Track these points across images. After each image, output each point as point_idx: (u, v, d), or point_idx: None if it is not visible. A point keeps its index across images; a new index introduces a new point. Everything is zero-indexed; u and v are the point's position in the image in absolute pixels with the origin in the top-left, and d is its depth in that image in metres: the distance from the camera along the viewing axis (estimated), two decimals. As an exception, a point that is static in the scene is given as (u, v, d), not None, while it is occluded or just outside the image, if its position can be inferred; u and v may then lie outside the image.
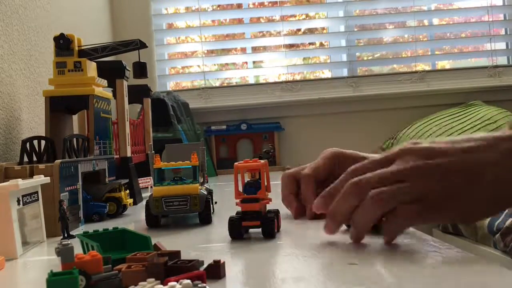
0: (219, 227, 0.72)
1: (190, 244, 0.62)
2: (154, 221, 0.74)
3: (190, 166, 0.76)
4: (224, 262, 0.45)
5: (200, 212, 0.74)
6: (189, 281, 0.37)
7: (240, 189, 0.63)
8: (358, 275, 0.43)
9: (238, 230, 0.61)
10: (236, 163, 0.63)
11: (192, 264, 0.43)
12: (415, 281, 0.41)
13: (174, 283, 0.37)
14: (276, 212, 0.64)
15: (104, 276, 0.40)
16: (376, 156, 0.58)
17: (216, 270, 0.44)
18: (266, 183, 0.63)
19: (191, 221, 0.77)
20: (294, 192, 0.75)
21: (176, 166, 0.77)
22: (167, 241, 0.56)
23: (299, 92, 2.14)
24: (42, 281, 0.37)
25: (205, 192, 0.75)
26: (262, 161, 0.65)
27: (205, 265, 0.45)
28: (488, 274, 0.42)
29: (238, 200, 0.62)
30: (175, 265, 0.43)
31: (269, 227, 0.61)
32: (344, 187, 0.54)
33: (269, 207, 0.64)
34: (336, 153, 0.74)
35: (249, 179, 0.64)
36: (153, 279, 0.39)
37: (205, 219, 0.75)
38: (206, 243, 0.63)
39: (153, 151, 0.80)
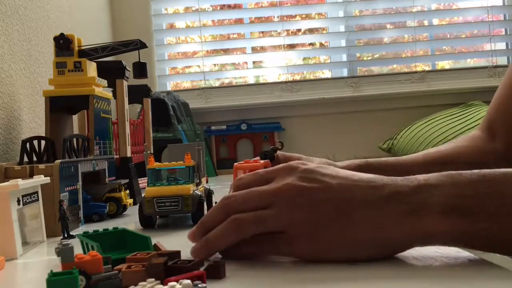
0: None
1: (189, 244, 0.62)
2: (147, 221, 0.74)
3: (184, 167, 0.76)
4: (224, 262, 0.45)
5: (193, 213, 0.73)
6: (189, 281, 0.37)
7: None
8: (358, 275, 0.43)
9: None
10: (235, 164, 0.64)
11: (192, 264, 0.43)
12: (415, 281, 0.41)
13: (174, 283, 0.37)
14: None
15: (104, 276, 0.40)
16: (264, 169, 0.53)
17: (216, 270, 0.44)
18: None
19: (190, 222, 0.77)
20: None
21: (170, 166, 0.76)
22: (166, 242, 0.56)
23: (299, 92, 2.14)
24: (42, 281, 0.37)
25: (199, 193, 0.74)
26: (262, 161, 0.64)
27: (205, 265, 0.46)
28: (488, 274, 0.42)
29: None
30: (175, 265, 0.43)
31: None
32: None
33: None
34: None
35: None
36: (153, 279, 0.39)
37: (198, 220, 0.74)
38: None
39: (148, 151, 0.80)
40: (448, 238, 0.44)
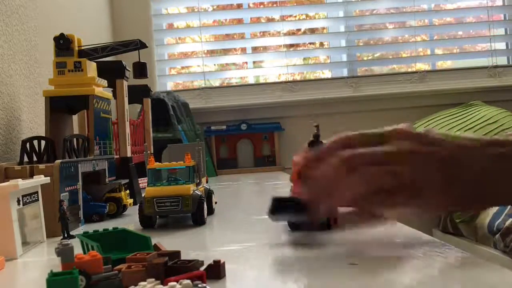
0: (218, 227, 0.72)
1: (189, 244, 0.62)
2: (147, 221, 0.74)
3: (184, 167, 0.76)
4: (224, 262, 0.45)
5: (193, 213, 0.73)
6: (189, 281, 0.38)
7: None
8: (358, 275, 0.43)
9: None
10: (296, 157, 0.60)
11: (192, 264, 0.43)
12: (415, 281, 0.41)
13: (174, 283, 0.37)
14: None
15: (104, 276, 0.40)
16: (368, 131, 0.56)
17: (216, 270, 0.44)
18: None
19: (189, 222, 0.77)
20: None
21: (170, 166, 0.76)
22: (165, 242, 0.56)
23: (299, 92, 2.14)
24: (42, 281, 0.37)
25: (199, 193, 0.74)
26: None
27: (204, 265, 0.46)
28: (488, 274, 0.42)
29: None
30: (175, 265, 0.43)
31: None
32: (334, 156, 0.52)
33: None
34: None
35: None
36: (153, 279, 0.39)
37: (198, 220, 0.74)
38: (204, 243, 0.63)
39: (148, 151, 0.80)
40: None
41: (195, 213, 0.73)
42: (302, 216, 0.57)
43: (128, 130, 1.10)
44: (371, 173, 0.50)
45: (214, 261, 0.45)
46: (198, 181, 0.79)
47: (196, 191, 0.74)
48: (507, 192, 0.51)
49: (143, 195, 0.74)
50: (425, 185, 0.50)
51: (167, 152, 0.90)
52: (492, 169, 0.50)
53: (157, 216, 0.77)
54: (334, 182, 0.51)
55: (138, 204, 0.75)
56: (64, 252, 0.40)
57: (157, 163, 0.77)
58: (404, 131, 0.53)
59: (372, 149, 0.52)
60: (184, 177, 0.76)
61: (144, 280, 0.39)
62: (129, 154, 1.10)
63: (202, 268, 0.45)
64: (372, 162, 0.50)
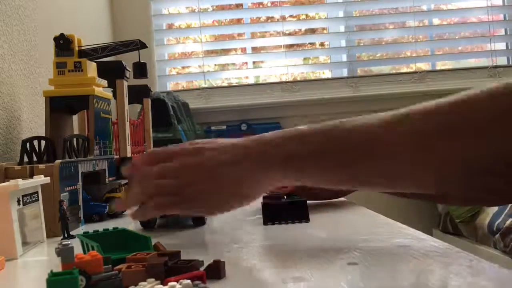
0: (217, 227, 0.72)
1: (188, 244, 0.62)
2: (147, 222, 0.74)
3: None
4: (224, 262, 0.45)
5: None
6: (189, 281, 0.38)
7: None
8: (358, 275, 0.43)
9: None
10: None
11: (192, 264, 0.43)
12: (415, 281, 0.41)
13: (174, 283, 0.37)
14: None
15: (105, 276, 0.40)
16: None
17: (216, 270, 0.44)
18: None
19: (189, 222, 0.77)
20: None
21: None
22: (165, 242, 0.56)
23: (299, 92, 2.14)
24: (42, 281, 0.37)
25: None
26: None
27: (204, 265, 0.46)
28: (489, 274, 0.42)
29: None
30: (175, 265, 0.43)
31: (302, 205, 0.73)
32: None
33: None
34: None
35: None
36: (153, 279, 0.39)
37: (198, 221, 0.75)
38: (204, 243, 0.63)
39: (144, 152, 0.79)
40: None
41: None
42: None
43: (128, 130, 1.10)
44: (149, 184, 0.60)
45: (214, 261, 0.45)
46: None
47: None
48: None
49: None
50: (188, 192, 0.58)
51: None
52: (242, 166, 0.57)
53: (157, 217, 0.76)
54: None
55: (138, 205, 0.74)
56: (64, 252, 0.40)
57: None
58: (185, 149, 0.61)
59: (162, 165, 0.60)
60: None
61: (144, 280, 0.39)
62: (129, 154, 1.10)
63: (202, 268, 0.45)
64: (156, 175, 0.60)
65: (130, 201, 0.63)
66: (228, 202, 0.59)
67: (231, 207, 0.59)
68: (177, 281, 0.38)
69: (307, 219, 0.71)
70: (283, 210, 0.72)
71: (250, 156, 0.56)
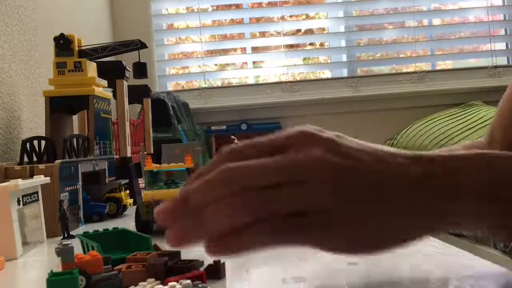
0: None
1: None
2: (145, 227, 0.70)
3: (184, 169, 0.71)
4: (224, 263, 0.45)
5: None
6: (189, 281, 0.38)
7: None
8: (358, 275, 0.43)
9: None
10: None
11: (192, 264, 0.43)
12: (415, 282, 0.41)
13: (174, 283, 0.37)
14: None
15: (105, 276, 0.40)
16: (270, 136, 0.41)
17: (216, 270, 0.44)
18: None
19: None
20: None
21: (169, 168, 0.72)
22: (165, 245, 0.56)
23: (299, 92, 2.14)
24: (42, 281, 0.37)
25: None
26: None
27: (204, 265, 0.46)
28: (489, 274, 0.42)
29: None
30: (175, 265, 0.43)
31: None
32: (211, 173, 0.37)
33: None
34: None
35: None
36: (153, 279, 0.39)
37: None
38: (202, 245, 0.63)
39: (145, 152, 0.77)
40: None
41: None
42: None
43: (128, 130, 1.10)
44: (244, 199, 0.35)
45: (214, 261, 0.45)
46: None
47: None
48: (428, 223, 0.38)
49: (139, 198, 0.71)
50: (334, 212, 0.36)
51: (163, 152, 0.86)
52: (417, 194, 0.38)
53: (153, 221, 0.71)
54: (206, 207, 0.36)
55: (135, 209, 0.71)
56: (64, 252, 0.40)
57: (156, 164, 0.73)
58: (310, 133, 0.39)
59: (262, 160, 0.37)
60: (182, 179, 0.72)
61: (144, 280, 0.39)
62: (129, 154, 1.10)
63: (201, 268, 0.45)
64: (256, 181, 0.36)
65: (208, 228, 0.36)
66: (403, 234, 0.38)
67: (403, 241, 0.38)
68: (177, 281, 0.38)
69: None
70: None
71: (434, 179, 0.38)
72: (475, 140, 0.81)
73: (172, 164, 0.73)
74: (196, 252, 0.56)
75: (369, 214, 0.37)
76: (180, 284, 0.37)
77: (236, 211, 0.35)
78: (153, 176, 0.73)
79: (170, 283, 0.37)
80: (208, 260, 0.45)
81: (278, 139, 0.39)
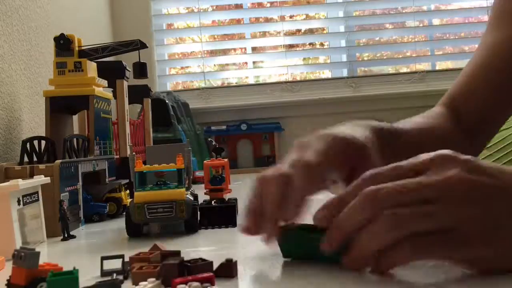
0: (209, 231, 0.70)
1: (187, 246, 0.62)
2: (136, 230, 0.68)
3: (175, 169, 0.69)
4: (236, 261, 0.44)
5: (186, 220, 0.67)
6: (198, 283, 0.37)
7: None
8: (358, 275, 0.43)
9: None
10: (205, 161, 0.78)
11: (206, 263, 0.43)
12: (415, 281, 0.41)
13: (183, 285, 0.37)
14: (236, 200, 0.77)
15: (106, 282, 0.39)
16: (405, 161, 0.44)
17: (229, 269, 0.43)
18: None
19: (175, 229, 0.72)
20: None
21: (160, 169, 0.70)
22: (164, 244, 0.55)
23: (299, 92, 2.14)
24: (42, 281, 0.37)
25: (192, 198, 0.69)
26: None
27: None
28: (489, 274, 0.42)
29: (207, 190, 0.76)
30: (193, 265, 0.42)
31: (231, 211, 0.72)
32: (356, 197, 0.41)
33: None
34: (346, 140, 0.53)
35: (214, 174, 0.76)
36: (153, 279, 0.39)
37: (191, 227, 0.69)
38: (196, 247, 0.63)
39: (134, 153, 0.75)
40: None
41: (189, 219, 0.67)
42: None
43: (128, 130, 1.10)
44: (399, 216, 0.39)
45: (227, 260, 0.44)
46: (187, 185, 0.72)
47: (188, 196, 0.68)
48: None
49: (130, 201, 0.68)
50: (475, 230, 0.38)
51: (146, 154, 0.82)
52: None
53: (143, 224, 0.69)
54: (354, 232, 0.41)
55: (125, 211, 0.68)
56: (30, 257, 0.40)
57: (146, 165, 0.71)
58: (450, 156, 0.42)
59: (402, 182, 0.41)
60: (173, 180, 0.70)
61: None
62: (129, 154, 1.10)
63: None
64: (400, 199, 0.40)
65: (360, 253, 0.41)
66: None
67: None
68: (185, 283, 0.37)
69: (234, 225, 0.71)
70: (215, 214, 0.72)
71: None
72: (435, 110, 0.80)
73: (163, 164, 0.70)
74: (196, 252, 0.56)
75: (506, 227, 0.39)
76: (189, 287, 0.37)
77: (387, 228, 0.39)
78: (142, 178, 0.70)
79: (181, 285, 0.37)
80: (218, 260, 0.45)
81: (418, 162, 0.43)
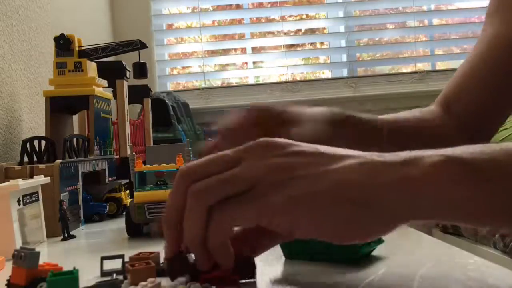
0: None
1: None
2: (136, 230, 0.68)
3: (175, 169, 0.68)
4: (254, 263, 0.42)
5: None
6: (198, 284, 0.38)
7: None
8: (358, 275, 0.43)
9: None
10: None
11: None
12: (414, 282, 0.41)
13: (182, 286, 0.37)
14: None
15: (106, 282, 0.39)
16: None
17: (248, 269, 0.42)
18: None
19: None
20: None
21: (160, 169, 0.70)
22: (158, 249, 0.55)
23: (299, 92, 2.14)
24: (42, 281, 0.37)
25: None
26: None
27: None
28: (488, 274, 0.42)
29: None
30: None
31: None
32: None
33: None
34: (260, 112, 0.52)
35: None
36: (153, 279, 0.39)
37: None
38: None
39: (134, 153, 0.75)
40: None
41: None
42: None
43: (128, 130, 1.10)
44: (199, 187, 0.38)
45: (244, 260, 0.42)
46: None
47: None
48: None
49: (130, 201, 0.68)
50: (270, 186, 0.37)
51: (146, 154, 0.81)
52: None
53: (144, 224, 0.69)
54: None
55: (125, 211, 0.69)
56: (30, 257, 0.40)
57: (146, 165, 0.71)
58: (262, 142, 0.40)
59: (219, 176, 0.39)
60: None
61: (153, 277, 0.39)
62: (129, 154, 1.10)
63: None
64: (207, 171, 0.39)
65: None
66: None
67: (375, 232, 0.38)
68: (209, 281, 0.38)
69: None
70: None
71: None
72: (427, 108, 0.78)
73: (163, 164, 0.70)
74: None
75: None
76: (189, 287, 0.37)
77: (194, 207, 0.38)
78: (142, 178, 0.70)
79: (180, 286, 0.37)
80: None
81: (236, 152, 0.40)
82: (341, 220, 0.36)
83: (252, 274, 0.42)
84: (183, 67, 2.33)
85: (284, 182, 0.37)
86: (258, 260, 0.42)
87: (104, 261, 0.47)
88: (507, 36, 0.67)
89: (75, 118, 1.02)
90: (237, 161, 0.39)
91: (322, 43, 2.35)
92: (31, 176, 0.73)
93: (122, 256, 0.46)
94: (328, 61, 2.30)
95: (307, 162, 0.38)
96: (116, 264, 0.46)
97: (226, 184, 0.38)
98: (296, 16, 2.35)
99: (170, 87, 2.21)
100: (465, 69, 0.73)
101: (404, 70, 2.26)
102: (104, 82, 0.97)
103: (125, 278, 0.43)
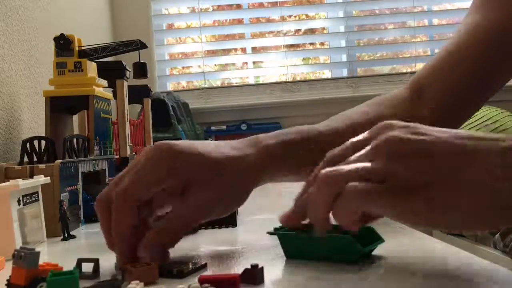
0: (209, 231, 0.70)
1: (188, 246, 0.62)
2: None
3: None
4: (262, 267, 0.42)
5: None
6: (198, 284, 0.38)
7: None
8: (358, 275, 0.43)
9: None
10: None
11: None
12: (414, 282, 0.41)
13: (182, 285, 0.37)
14: None
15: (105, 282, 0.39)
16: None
17: (253, 276, 0.41)
18: None
19: None
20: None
21: None
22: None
23: (299, 92, 2.14)
24: (42, 281, 0.37)
25: None
26: None
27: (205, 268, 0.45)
28: (489, 275, 0.42)
29: None
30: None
31: None
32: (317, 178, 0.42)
33: None
34: (170, 152, 0.51)
35: None
36: (137, 281, 0.39)
37: (193, 228, 0.67)
38: (196, 247, 0.63)
39: (134, 153, 0.75)
40: None
41: None
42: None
43: (128, 130, 1.10)
44: (334, 172, 0.41)
45: (252, 266, 0.41)
46: None
47: None
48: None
49: None
50: (410, 182, 0.38)
51: None
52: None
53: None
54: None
55: None
56: (30, 257, 0.40)
57: None
58: (390, 124, 0.42)
59: (351, 159, 0.42)
60: None
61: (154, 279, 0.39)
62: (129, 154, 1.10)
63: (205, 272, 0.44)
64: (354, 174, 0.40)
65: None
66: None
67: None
68: (209, 282, 0.38)
69: (234, 225, 0.69)
70: None
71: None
72: (397, 94, 0.76)
73: None
74: (197, 252, 0.56)
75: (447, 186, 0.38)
76: (189, 287, 0.37)
77: (328, 184, 0.41)
78: None
79: (180, 286, 0.37)
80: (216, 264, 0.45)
81: (363, 139, 0.43)
82: (485, 222, 0.38)
83: (259, 281, 0.42)
84: (183, 67, 2.34)
85: (426, 185, 0.38)
86: (259, 260, 0.42)
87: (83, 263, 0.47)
88: (487, 27, 0.68)
89: (75, 118, 1.01)
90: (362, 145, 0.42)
91: (322, 43, 2.35)
92: (31, 176, 0.73)
93: (97, 260, 0.46)
94: (328, 61, 2.30)
95: (441, 161, 0.38)
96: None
97: (363, 173, 0.40)
98: (296, 16, 2.35)
99: (170, 87, 2.21)
100: (442, 54, 0.73)
101: (404, 70, 2.26)
102: (104, 82, 0.97)
103: (123, 279, 0.43)
